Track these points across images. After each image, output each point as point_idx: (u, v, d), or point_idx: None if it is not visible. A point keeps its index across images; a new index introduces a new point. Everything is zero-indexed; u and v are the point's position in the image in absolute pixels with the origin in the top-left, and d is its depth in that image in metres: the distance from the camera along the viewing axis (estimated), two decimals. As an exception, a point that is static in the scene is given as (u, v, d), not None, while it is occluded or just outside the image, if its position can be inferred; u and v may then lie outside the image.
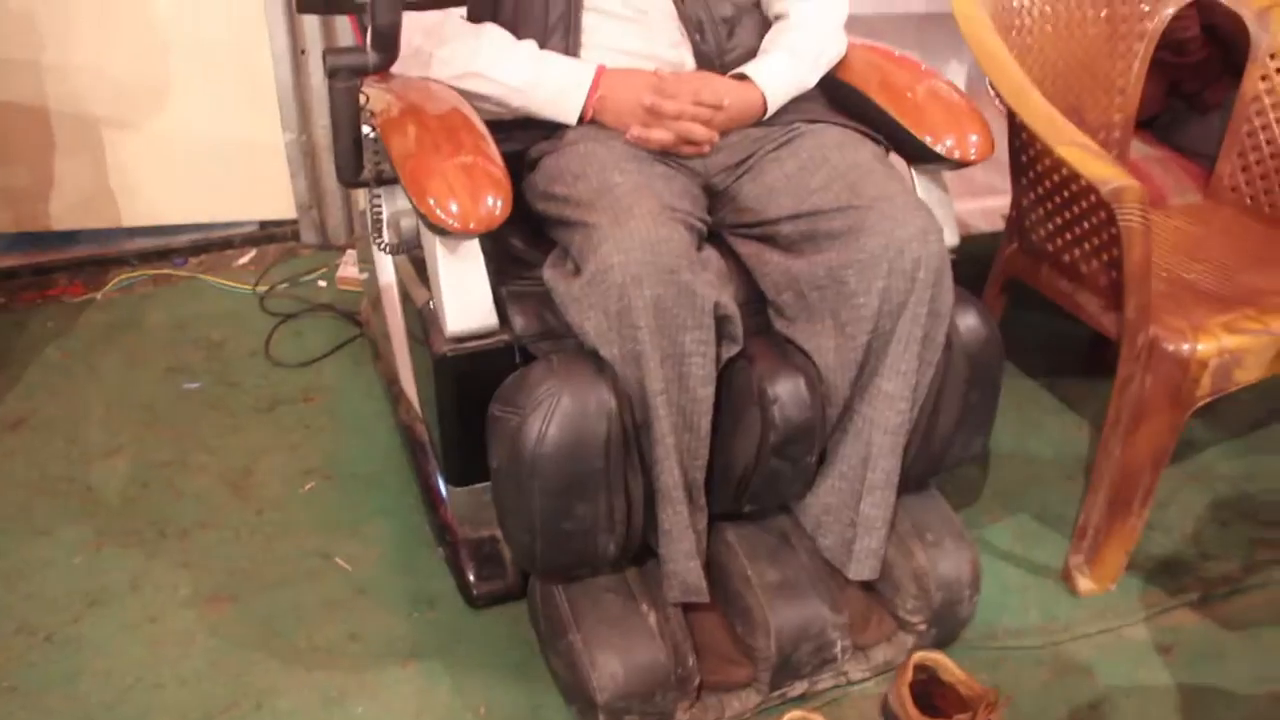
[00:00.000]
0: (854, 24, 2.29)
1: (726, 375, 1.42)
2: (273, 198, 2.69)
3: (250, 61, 2.52)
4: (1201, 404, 1.61)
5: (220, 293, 2.54)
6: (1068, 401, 2.22)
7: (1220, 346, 1.58)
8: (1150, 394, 1.64)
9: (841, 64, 1.71)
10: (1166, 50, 2.17)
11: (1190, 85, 2.30)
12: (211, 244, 2.70)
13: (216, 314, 2.44)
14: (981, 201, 2.14)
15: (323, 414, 2.11)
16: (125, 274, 2.59)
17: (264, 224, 2.74)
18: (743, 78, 1.58)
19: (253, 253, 2.70)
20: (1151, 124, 2.37)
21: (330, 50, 1.41)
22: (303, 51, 2.49)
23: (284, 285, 2.56)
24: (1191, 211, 2.08)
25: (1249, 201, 2.06)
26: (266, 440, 2.03)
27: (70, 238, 2.65)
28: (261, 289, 2.53)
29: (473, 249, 1.40)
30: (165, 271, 2.61)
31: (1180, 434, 1.64)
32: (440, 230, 1.33)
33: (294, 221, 2.73)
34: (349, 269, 2.54)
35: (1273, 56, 1.99)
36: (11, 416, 2.08)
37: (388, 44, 1.39)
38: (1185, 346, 1.58)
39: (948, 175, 1.69)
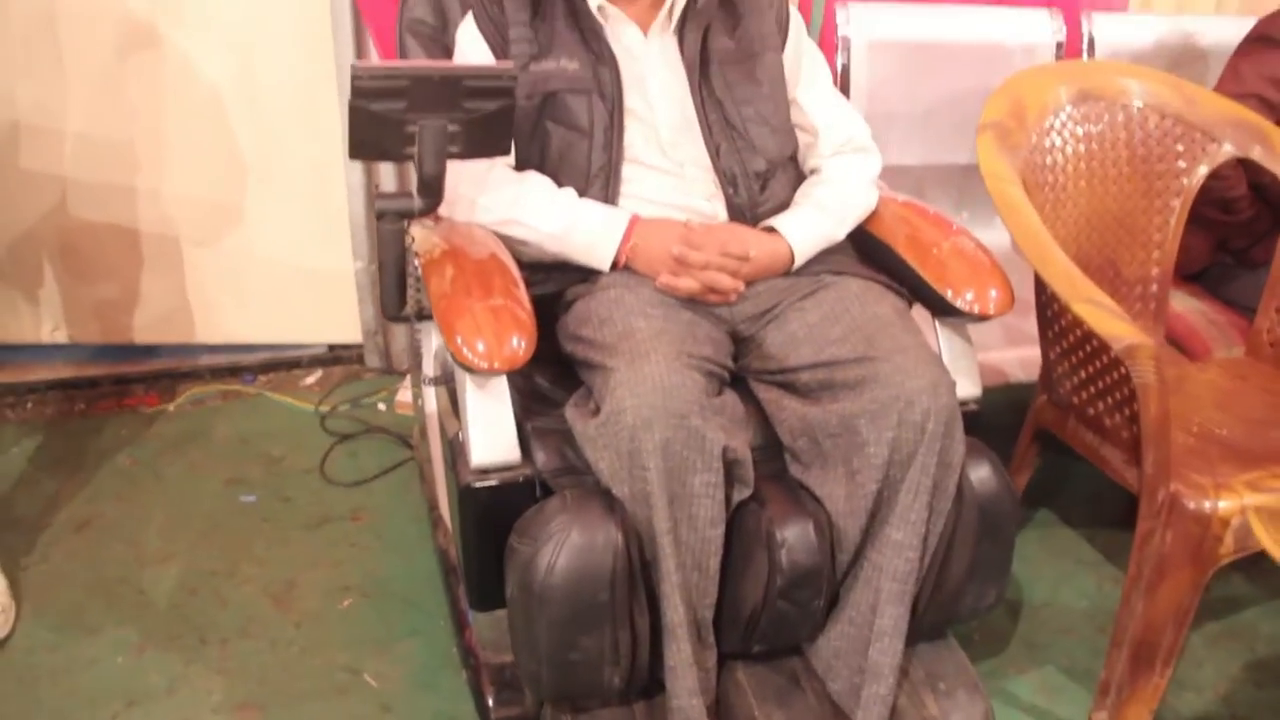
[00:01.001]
0: (901, 174, 2.39)
1: (738, 517, 1.47)
2: (341, 322, 2.83)
3: (327, 194, 2.68)
4: (1226, 562, 1.61)
5: (284, 410, 2.65)
6: (1106, 553, 2.21)
7: (1243, 504, 1.58)
8: (1171, 550, 1.64)
9: (872, 217, 1.79)
10: (1214, 207, 2.21)
11: (1238, 241, 2.31)
12: (280, 363, 2.83)
13: (279, 431, 2.55)
14: (1020, 351, 2.16)
15: (368, 533, 2.18)
16: (197, 388, 2.73)
17: (331, 347, 2.88)
18: (771, 230, 1.66)
19: (319, 373, 2.83)
20: (1202, 276, 2.39)
21: (380, 194, 1.53)
22: (376, 186, 2.64)
23: (345, 406, 2.67)
24: (1230, 366, 2.08)
25: (1288, 357, 2.06)
26: (312, 555, 2.11)
27: (150, 351, 2.80)
28: (323, 409, 2.65)
29: (500, 386, 1.47)
30: (235, 388, 2.74)
31: (1206, 591, 1.63)
32: (467, 367, 1.41)
33: (359, 346, 2.85)
34: (407, 394, 2.65)
35: (1311, 216, 2.02)
36: (78, 519, 2.19)
37: (433, 191, 1.50)
38: (1206, 504, 1.59)
39: (988, 325, 1.73)
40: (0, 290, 2.69)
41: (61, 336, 2.77)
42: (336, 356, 2.87)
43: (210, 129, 2.61)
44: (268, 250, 2.73)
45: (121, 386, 2.73)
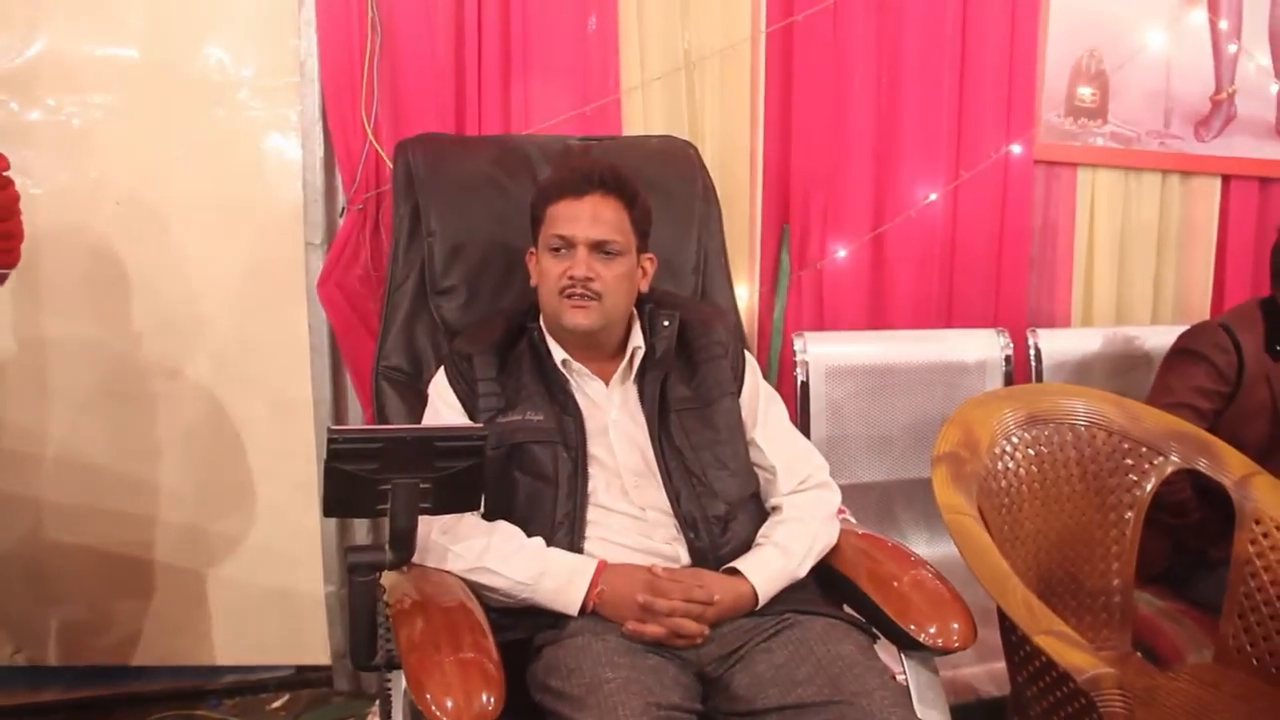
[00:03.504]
0: (866, 491, 2.47)
1: None
2: (309, 644, 2.79)
3: (300, 516, 2.70)
4: None
5: (250, 737, 2.59)
6: None
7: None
8: None
9: (833, 551, 1.83)
10: (1164, 511, 2.27)
11: (1193, 542, 2.37)
12: (246, 686, 2.77)
13: (243, 760, 2.49)
14: (989, 666, 2.17)
15: None
16: (160, 713, 2.65)
17: (299, 669, 2.83)
18: (735, 572, 1.70)
19: (286, 697, 2.77)
20: (1165, 578, 2.43)
21: (352, 548, 1.57)
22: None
23: (313, 733, 2.61)
24: (1201, 673, 2.08)
25: (1255, 663, 2.06)
26: None
27: (112, 674, 2.74)
28: (290, 735, 2.59)
29: (471, 741, 1.46)
30: (200, 712, 2.68)
31: None
32: (438, 727, 1.41)
33: (328, 668, 2.81)
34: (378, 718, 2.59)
35: (1258, 522, 2.05)
36: None
37: (404, 545, 1.54)
38: (1187, 835, 1.57)
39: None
40: (-40, 612, 2.67)
41: (21, 659, 2.72)
42: (305, 679, 2.82)
43: (186, 452, 2.67)
44: (238, 572, 2.74)
45: (81, 712, 2.66)
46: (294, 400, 2.64)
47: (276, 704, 2.75)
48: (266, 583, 2.75)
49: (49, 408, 2.62)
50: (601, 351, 1.84)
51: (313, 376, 2.61)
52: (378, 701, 2.64)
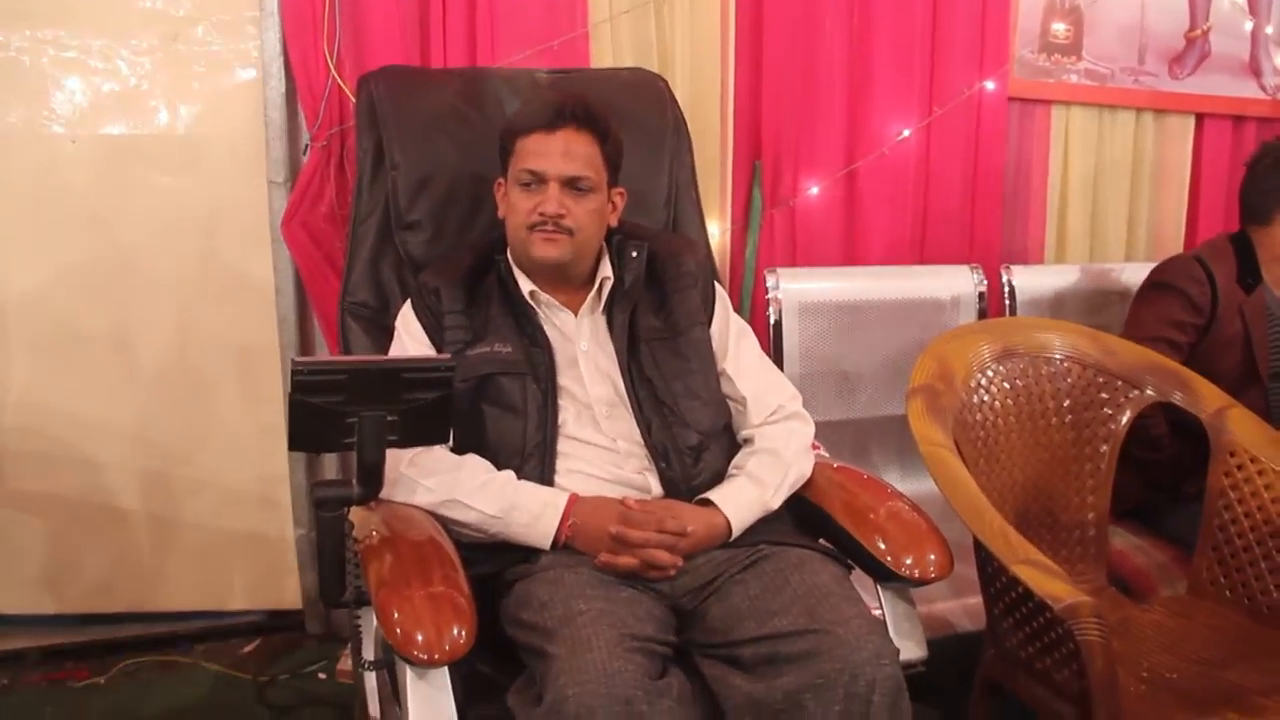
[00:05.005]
0: (842, 428, 2.45)
1: (688, 802, 1.43)
2: (280, 589, 2.78)
3: (268, 460, 2.68)
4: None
5: (221, 681, 2.56)
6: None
7: (1202, 754, 1.57)
8: (1133, 811, 1.62)
9: (808, 484, 1.82)
10: (1139, 446, 2.27)
11: (1167, 477, 2.37)
12: (217, 631, 2.75)
13: (215, 704, 2.47)
14: (965, 600, 2.17)
15: (307, 819, 2.10)
16: (131, 659, 2.63)
17: (271, 614, 2.81)
18: (707, 503, 1.68)
19: (257, 641, 2.75)
20: (1138, 513, 2.44)
21: (318, 483, 1.54)
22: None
23: (285, 676, 2.59)
24: (1175, 605, 2.10)
25: (1229, 594, 2.07)
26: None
27: (82, 621, 2.72)
28: (262, 679, 2.57)
29: (440, 676, 1.44)
30: (171, 658, 2.66)
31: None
32: (408, 659, 1.39)
33: (300, 613, 2.79)
34: (348, 663, 2.58)
35: (1232, 454, 2.06)
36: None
37: (372, 479, 1.51)
38: (1166, 759, 1.58)
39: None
40: (-73, 564, 2.63)
41: (-11, 609, 2.70)
42: (276, 624, 2.80)
43: (152, 397, 2.63)
44: (207, 517, 2.71)
45: (51, 659, 2.63)
46: (259, 343, 2.60)
47: (248, 649, 2.73)
48: (236, 528, 2.72)
49: (7, 353, 2.56)
50: (570, 283, 1.81)
51: (278, 318, 2.57)
52: (349, 644, 2.65)
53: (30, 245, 2.52)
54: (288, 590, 2.77)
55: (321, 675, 2.61)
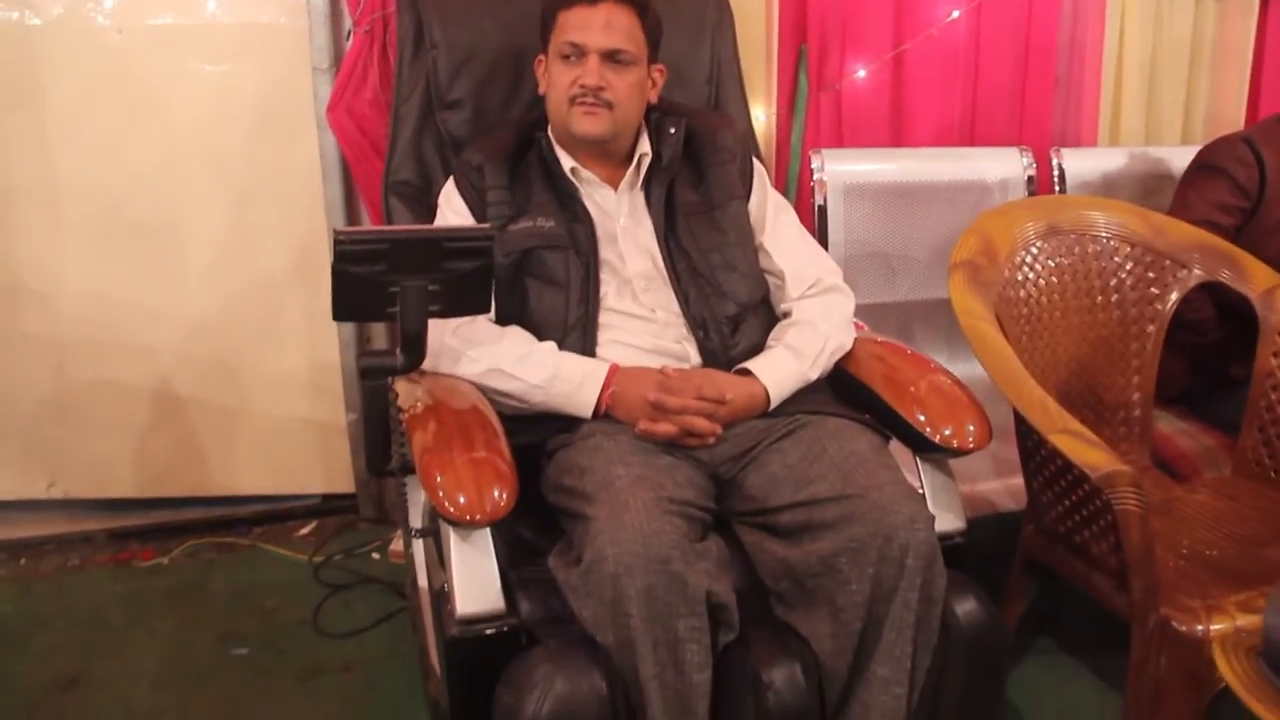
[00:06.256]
0: (886, 311, 2.44)
1: (724, 661, 1.46)
2: (334, 473, 2.84)
3: (320, 347, 2.72)
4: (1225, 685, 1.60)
5: (278, 562, 2.65)
6: (1109, 680, 2.18)
7: (1235, 626, 1.58)
8: (1166, 677, 1.64)
9: (849, 357, 1.83)
10: (1185, 331, 2.25)
11: (1214, 362, 2.35)
12: (274, 515, 2.84)
13: (273, 583, 2.55)
14: (1007, 480, 2.17)
15: (361, 685, 2.17)
16: (192, 541, 2.73)
17: (325, 497, 2.89)
18: (746, 373, 1.70)
19: (313, 524, 2.83)
20: (1185, 398, 2.42)
21: (363, 352, 1.57)
22: (368, 340, 2.70)
23: (339, 557, 2.67)
24: (1218, 485, 2.10)
25: (1273, 475, 2.07)
26: (304, 709, 2.09)
27: (145, 505, 2.82)
28: (317, 560, 2.65)
29: (483, 538, 1.49)
30: (229, 540, 2.75)
31: (1211, 716, 1.61)
32: (450, 520, 1.43)
33: (353, 496, 2.86)
34: (400, 544, 2.65)
35: (1280, 333, 2.05)
36: (67, 676, 2.18)
37: (415, 349, 1.54)
38: (1198, 627, 1.59)
39: (976, 455, 1.74)
40: (-3, 448, 2.73)
41: (57, 493, 2.79)
42: (331, 507, 2.88)
43: (206, 285, 2.67)
44: (262, 403, 2.77)
45: (116, 541, 2.74)
46: (307, 229, 2.63)
47: (304, 531, 2.81)
48: (291, 414, 2.78)
49: (64, 244, 2.62)
50: (610, 160, 1.82)
51: (325, 204, 2.59)
52: (401, 525, 2.72)
53: (82, 137, 2.56)
54: (341, 474, 2.84)
55: (375, 555, 2.69)
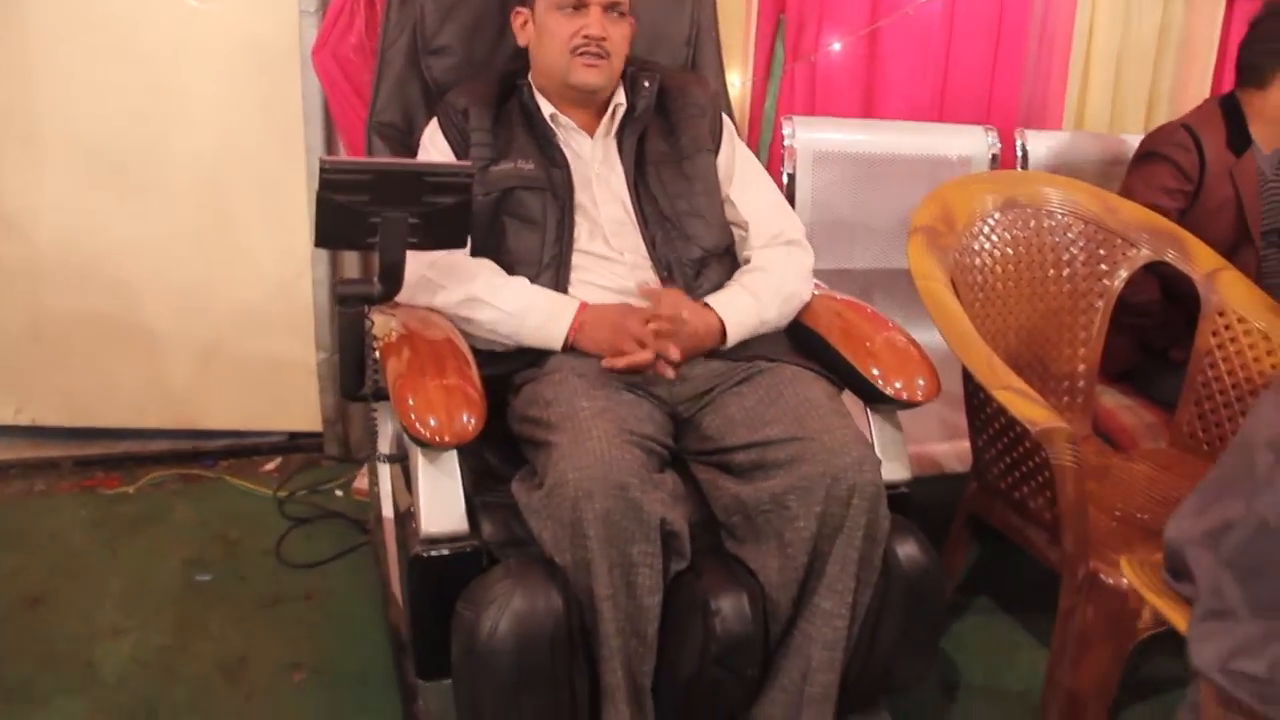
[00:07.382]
0: (848, 277, 2.51)
1: (675, 588, 1.54)
2: (302, 411, 2.90)
3: (293, 285, 2.78)
4: (1146, 636, 1.70)
5: (243, 495, 2.71)
6: (1042, 638, 2.27)
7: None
8: (1091, 625, 1.73)
9: (809, 311, 1.90)
10: (1131, 313, 2.34)
11: (1158, 342, 2.44)
12: (241, 450, 2.89)
13: (237, 514, 2.60)
14: (955, 444, 2.26)
15: (321, 612, 2.23)
16: (158, 471, 2.78)
17: (292, 435, 2.94)
18: (705, 307, 1.77)
19: (278, 460, 2.89)
20: (1130, 376, 2.51)
21: (341, 281, 1.62)
22: (340, 279, 2.73)
23: (303, 492, 2.73)
24: (1155, 456, 2.19)
25: (1206, 448, 2.16)
26: (265, 633, 2.15)
27: (113, 434, 2.86)
28: (282, 494, 2.70)
29: (450, 460, 1.55)
30: (196, 472, 2.80)
31: (1131, 670, 1.70)
32: (420, 441, 1.49)
33: (319, 434, 2.92)
34: (363, 481, 2.71)
35: (1220, 314, 2.13)
36: (31, 594, 2.23)
37: (392, 279, 1.60)
38: (1124, 580, 1.67)
39: (926, 419, 1.81)
40: (-35, 373, 2.76)
41: (24, 419, 2.83)
42: (296, 444, 2.93)
43: (181, 220, 2.71)
44: (233, 339, 2.82)
45: (82, 468, 2.78)
46: (286, 171, 2.67)
47: (269, 466, 2.86)
48: (261, 352, 2.83)
49: (44, 175, 2.64)
50: (589, 108, 1.88)
51: (305, 147, 2.63)
52: (364, 464, 2.78)
53: (65, 70, 2.58)
54: (308, 412, 2.89)
55: (339, 493, 2.75)
